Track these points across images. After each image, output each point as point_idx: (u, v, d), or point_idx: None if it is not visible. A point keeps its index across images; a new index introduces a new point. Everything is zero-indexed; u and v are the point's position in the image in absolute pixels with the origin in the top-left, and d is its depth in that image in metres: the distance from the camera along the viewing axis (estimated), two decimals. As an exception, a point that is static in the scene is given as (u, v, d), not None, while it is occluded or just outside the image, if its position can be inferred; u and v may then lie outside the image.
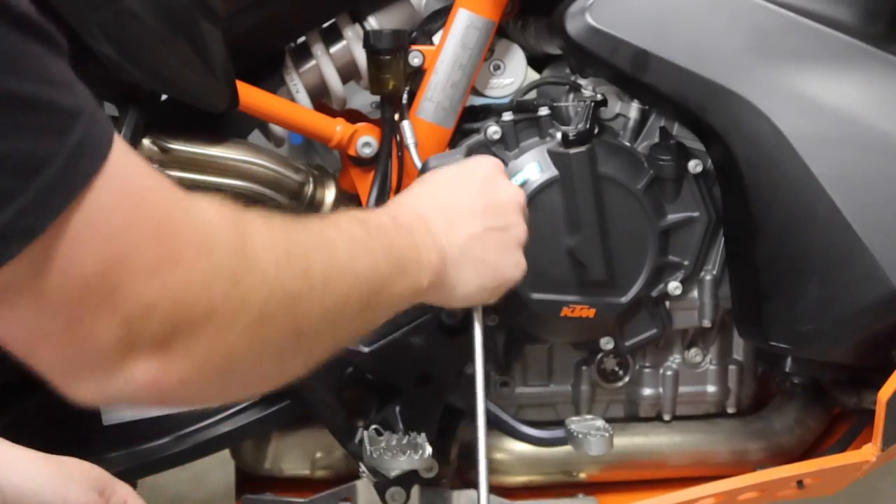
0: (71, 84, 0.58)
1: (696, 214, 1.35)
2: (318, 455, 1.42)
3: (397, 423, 1.31)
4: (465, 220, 0.93)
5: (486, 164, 1.03)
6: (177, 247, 0.61)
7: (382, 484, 1.29)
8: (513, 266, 0.99)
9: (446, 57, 1.33)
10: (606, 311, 1.34)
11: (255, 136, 1.48)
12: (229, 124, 1.39)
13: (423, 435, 1.25)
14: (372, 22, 1.37)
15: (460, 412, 1.32)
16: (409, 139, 1.31)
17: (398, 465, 1.24)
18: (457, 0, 1.33)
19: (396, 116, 1.33)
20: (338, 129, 1.35)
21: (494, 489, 1.40)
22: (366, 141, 1.34)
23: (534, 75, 1.42)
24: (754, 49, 1.22)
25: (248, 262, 0.65)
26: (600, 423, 1.30)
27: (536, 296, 1.31)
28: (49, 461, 0.91)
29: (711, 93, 1.22)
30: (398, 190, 1.33)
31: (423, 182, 0.99)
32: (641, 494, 1.38)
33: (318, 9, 1.37)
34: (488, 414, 1.11)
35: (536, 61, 1.43)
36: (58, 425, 1.30)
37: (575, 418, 1.24)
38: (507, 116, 1.34)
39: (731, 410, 1.46)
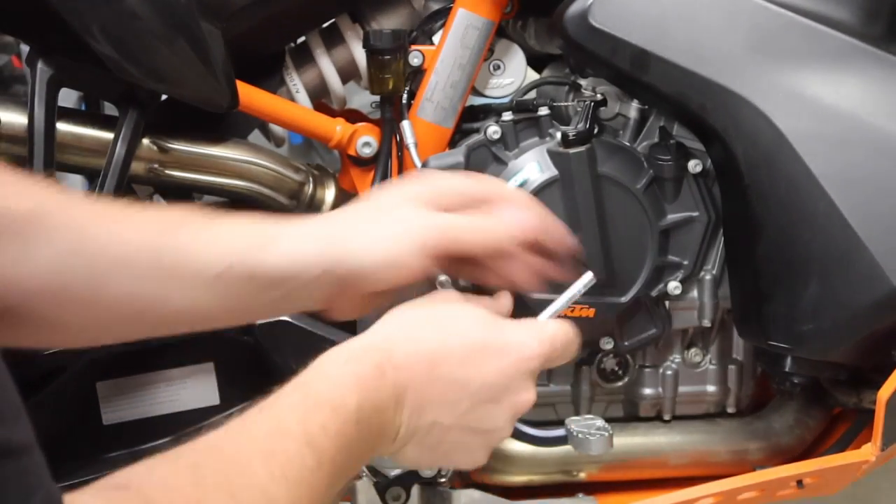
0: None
1: (695, 214, 1.35)
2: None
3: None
4: (440, 409, 0.79)
5: (526, 349, 0.83)
6: None
7: (382, 484, 1.29)
8: (466, 462, 0.86)
9: (446, 57, 1.33)
10: (606, 311, 1.34)
11: (255, 136, 1.48)
12: (229, 124, 1.39)
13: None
14: (372, 22, 1.37)
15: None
16: (409, 139, 1.31)
17: (398, 464, 1.24)
18: (457, 0, 1.33)
19: (396, 116, 1.33)
20: (338, 129, 1.35)
21: (494, 489, 1.40)
22: (366, 141, 1.34)
23: (534, 75, 1.42)
24: (754, 49, 1.22)
25: None
26: (600, 423, 1.29)
27: (536, 296, 1.31)
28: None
29: (711, 93, 1.22)
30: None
31: (443, 330, 0.81)
32: (641, 494, 1.38)
33: (318, 9, 1.37)
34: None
35: (536, 61, 1.43)
36: (58, 425, 1.30)
37: (575, 418, 1.24)
38: (507, 116, 1.34)
39: (730, 410, 1.46)
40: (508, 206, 0.87)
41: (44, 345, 0.84)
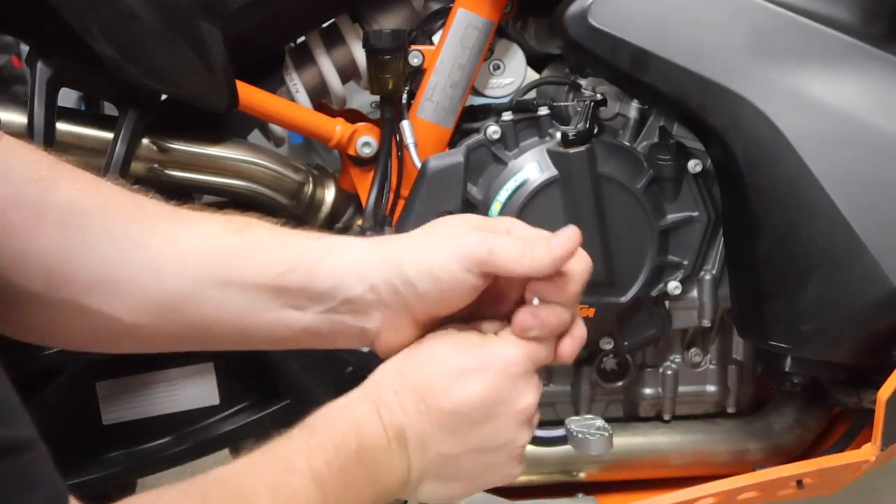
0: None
1: (695, 214, 1.35)
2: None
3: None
4: (441, 441, 0.79)
5: (505, 357, 0.81)
6: None
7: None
8: (497, 480, 0.85)
9: (446, 57, 1.33)
10: (606, 310, 1.34)
11: (255, 136, 1.48)
12: (229, 124, 1.39)
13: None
14: (372, 22, 1.37)
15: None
16: (409, 139, 1.31)
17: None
18: (456, 0, 1.33)
19: (396, 116, 1.33)
20: (337, 128, 1.35)
21: (494, 489, 1.40)
22: (365, 141, 1.34)
23: (533, 75, 1.42)
24: (754, 49, 1.22)
25: None
26: (600, 423, 1.29)
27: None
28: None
29: (711, 93, 1.22)
30: (398, 190, 1.33)
31: (424, 364, 0.81)
32: (641, 494, 1.38)
33: (318, 9, 1.37)
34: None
35: (536, 61, 1.43)
36: (58, 425, 1.30)
37: (575, 418, 1.24)
38: (507, 116, 1.34)
39: (730, 410, 1.46)
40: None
41: (89, 347, 0.84)
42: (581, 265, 0.81)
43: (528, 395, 0.82)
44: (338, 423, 0.76)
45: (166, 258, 0.80)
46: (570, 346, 0.83)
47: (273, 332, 0.82)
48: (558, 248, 0.78)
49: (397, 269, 0.80)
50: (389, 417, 0.78)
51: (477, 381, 0.79)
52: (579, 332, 0.84)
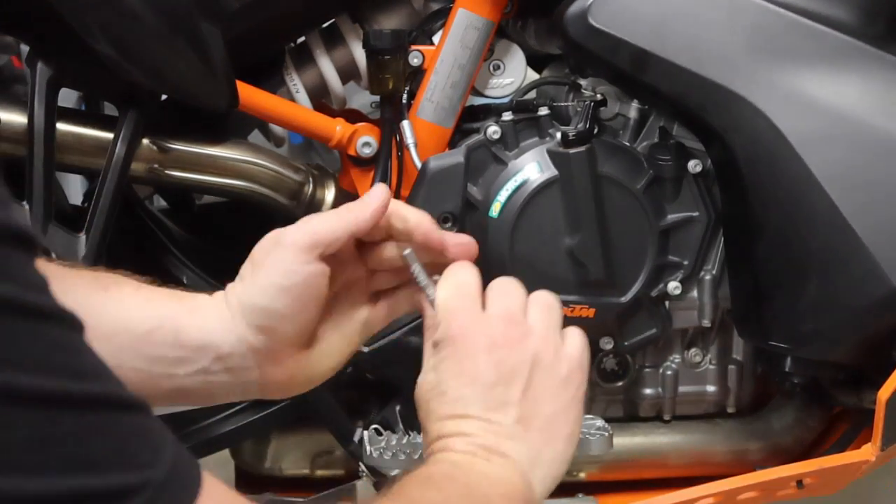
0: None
1: (695, 214, 1.35)
2: (318, 455, 1.42)
3: (397, 423, 1.31)
4: (517, 413, 0.77)
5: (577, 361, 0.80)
6: None
7: (382, 484, 1.29)
8: (579, 416, 0.82)
9: (446, 57, 1.33)
10: (606, 310, 1.34)
11: (255, 136, 1.48)
12: (229, 124, 1.39)
13: (422, 435, 1.25)
14: (372, 22, 1.37)
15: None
16: (409, 139, 1.31)
17: (398, 465, 1.24)
18: (457, 0, 1.33)
19: (396, 116, 1.33)
20: (338, 129, 1.35)
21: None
22: (365, 141, 1.34)
23: (534, 75, 1.42)
24: (754, 49, 1.22)
25: None
26: (600, 423, 1.30)
27: (536, 296, 1.31)
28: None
29: (711, 93, 1.22)
30: (398, 190, 1.33)
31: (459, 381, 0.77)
32: (641, 494, 1.38)
33: (318, 9, 1.37)
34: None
35: (536, 61, 1.43)
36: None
37: (575, 418, 1.24)
38: (507, 116, 1.34)
39: (730, 410, 1.46)
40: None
41: None
42: (403, 208, 0.82)
43: (553, 331, 0.81)
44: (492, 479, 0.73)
45: None
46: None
47: (141, 388, 0.78)
48: (370, 198, 0.79)
49: (251, 306, 0.79)
50: (465, 444, 0.74)
51: (496, 356, 0.77)
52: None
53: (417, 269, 0.81)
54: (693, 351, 1.43)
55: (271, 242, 0.79)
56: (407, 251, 0.81)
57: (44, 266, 0.76)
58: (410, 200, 1.30)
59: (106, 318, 0.77)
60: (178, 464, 0.51)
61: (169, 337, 0.78)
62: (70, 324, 0.51)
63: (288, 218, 1.37)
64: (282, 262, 0.77)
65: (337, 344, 0.83)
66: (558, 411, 0.78)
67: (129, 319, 0.78)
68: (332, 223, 0.78)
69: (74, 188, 1.61)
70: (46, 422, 0.46)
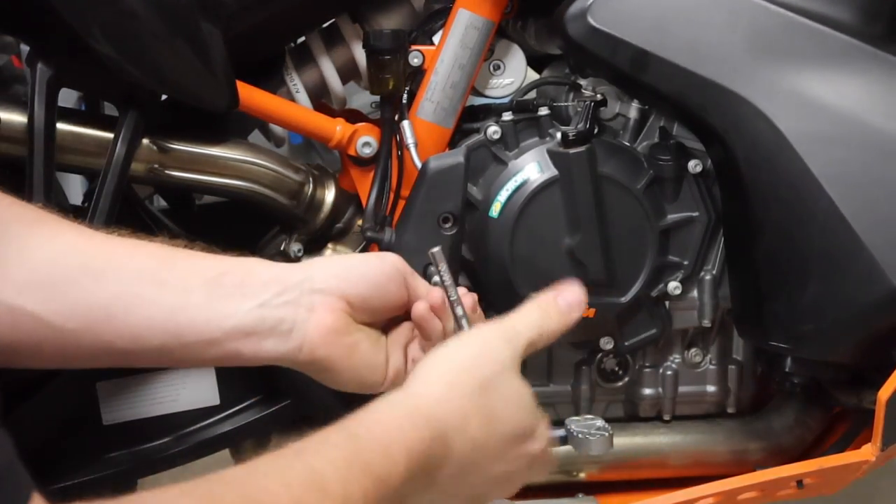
0: None
1: (695, 214, 1.35)
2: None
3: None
4: (475, 470, 0.78)
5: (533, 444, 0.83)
6: None
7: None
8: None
9: (446, 57, 1.33)
10: (606, 310, 1.34)
11: (255, 136, 1.48)
12: (229, 124, 1.39)
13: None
14: (372, 22, 1.37)
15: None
16: (409, 139, 1.31)
17: None
18: (457, 0, 1.33)
19: (396, 116, 1.33)
20: (338, 129, 1.35)
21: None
22: (366, 141, 1.34)
23: (534, 75, 1.42)
24: (754, 49, 1.22)
25: None
26: (600, 423, 1.29)
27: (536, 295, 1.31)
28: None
29: (711, 93, 1.22)
30: (398, 190, 1.33)
31: (482, 433, 0.78)
32: (641, 494, 1.38)
33: (319, 9, 1.37)
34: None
35: (536, 61, 1.43)
36: (58, 426, 1.30)
37: (575, 418, 1.24)
38: (507, 116, 1.34)
39: (730, 410, 1.46)
40: None
41: (6, 359, 0.81)
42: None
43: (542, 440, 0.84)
44: (388, 449, 0.69)
45: (102, 261, 0.80)
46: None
47: (202, 332, 0.81)
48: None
49: (334, 262, 0.86)
50: (442, 468, 0.73)
51: (517, 454, 0.80)
52: None
53: (444, 269, 0.84)
54: (693, 351, 1.43)
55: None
56: (435, 249, 0.84)
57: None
58: (410, 200, 1.30)
59: (178, 265, 0.82)
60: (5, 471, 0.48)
61: (238, 277, 0.82)
62: None
63: (287, 218, 1.38)
64: (380, 256, 0.88)
65: (366, 367, 0.87)
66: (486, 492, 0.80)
67: (202, 266, 0.83)
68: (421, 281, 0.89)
69: (74, 188, 1.61)
70: None
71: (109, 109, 1.35)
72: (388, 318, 0.90)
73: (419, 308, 0.87)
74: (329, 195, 1.38)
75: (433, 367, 0.78)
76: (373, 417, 0.72)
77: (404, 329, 0.90)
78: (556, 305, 0.87)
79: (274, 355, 0.84)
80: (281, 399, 1.37)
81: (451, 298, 0.83)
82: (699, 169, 1.34)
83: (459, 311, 0.87)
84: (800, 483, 1.31)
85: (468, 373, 0.78)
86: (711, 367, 1.44)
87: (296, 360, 0.84)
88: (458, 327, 0.87)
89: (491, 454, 0.77)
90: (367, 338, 0.87)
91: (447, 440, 0.73)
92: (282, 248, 1.38)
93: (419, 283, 0.89)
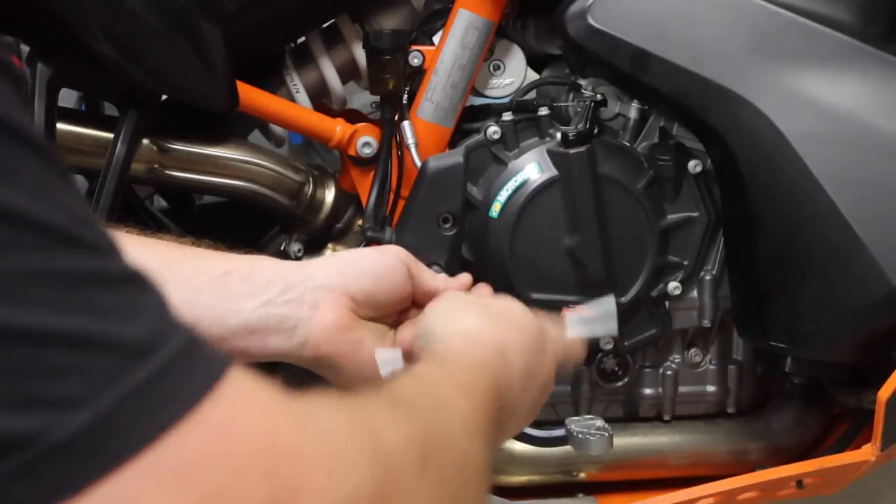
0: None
1: (695, 214, 1.35)
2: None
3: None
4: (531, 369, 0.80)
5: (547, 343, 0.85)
6: (299, 474, 0.45)
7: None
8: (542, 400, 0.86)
9: (446, 57, 1.33)
10: (606, 310, 1.34)
11: (255, 136, 1.48)
12: (229, 124, 1.39)
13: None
14: (372, 22, 1.37)
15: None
16: (409, 139, 1.31)
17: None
18: (457, 0, 1.33)
19: (396, 116, 1.33)
20: (338, 129, 1.35)
21: (494, 489, 1.40)
22: (366, 141, 1.34)
23: (534, 75, 1.42)
24: (754, 49, 1.22)
25: (388, 476, 0.49)
26: (600, 423, 1.29)
27: (536, 295, 1.31)
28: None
29: (711, 93, 1.22)
30: (398, 190, 1.33)
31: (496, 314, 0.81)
32: (641, 494, 1.38)
33: (319, 9, 1.37)
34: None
35: (536, 61, 1.43)
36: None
37: (575, 418, 1.24)
38: (507, 116, 1.34)
39: (730, 410, 1.46)
40: None
41: None
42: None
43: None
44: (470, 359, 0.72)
45: None
46: None
47: (209, 330, 0.81)
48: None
49: (336, 259, 0.88)
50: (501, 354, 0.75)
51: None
52: None
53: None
54: (693, 351, 1.43)
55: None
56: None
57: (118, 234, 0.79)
58: (410, 200, 1.30)
59: (186, 263, 0.83)
60: (199, 341, 0.45)
61: (244, 276, 0.83)
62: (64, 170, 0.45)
63: (287, 218, 1.38)
64: (382, 250, 0.89)
65: (371, 363, 0.86)
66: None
67: (209, 265, 0.84)
68: (427, 271, 0.90)
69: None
70: (41, 255, 0.41)
71: (109, 109, 1.35)
72: (396, 311, 0.90)
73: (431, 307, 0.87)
74: (329, 195, 1.38)
75: (445, 319, 0.81)
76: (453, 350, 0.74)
77: (415, 324, 0.90)
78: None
79: (279, 352, 0.85)
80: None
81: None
82: (699, 169, 1.34)
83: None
84: (800, 483, 1.31)
85: (473, 308, 0.81)
86: (711, 367, 1.44)
87: (301, 357, 0.85)
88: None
89: (534, 356, 0.79)
90: (373, 333, 0.87)
91: (506, 355, 0.75)
92: (282, 248, 1.38)
93: (424, 273, 0.89)
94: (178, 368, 0.42)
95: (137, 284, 0.45)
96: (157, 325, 0.43)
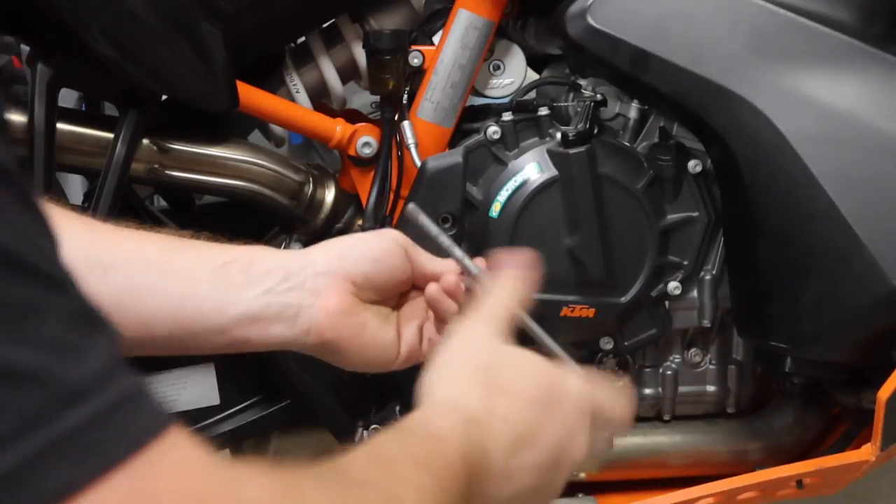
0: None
1: (695, 214, 1.35)
2: (319, 455, 1.42)
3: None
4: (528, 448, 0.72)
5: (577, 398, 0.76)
6: None
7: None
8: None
9: (446, 57, 1.33)
10: (606, 311, 1.34)
11: (255, 136, 1.48)
12: (229, 124, 1.39)
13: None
14: (372, 22, 1.37)
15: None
16: (409, 139, 1.31)
17: None
18: (457, 0, 1.33)
19: (396, 116, 1.33)
20: (338, 129, 1.35)
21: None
22: (366, 141, 1.34)
23: (534, 75, 1.42)
24: (754, 49, 1.22)
25: None
26: (600, 422, 1.29)
27: (536, 296, 1.30)
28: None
29: (711, 93, 1.22)
30: (398, 190, 1.33)
31: (502, 394, 0.73)
32: (641, 494, 1.38)
33: (319, 9, 1.37)
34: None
35: (536, 61, 1.43)
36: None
37: (575, 418, 1.24)
38: (507, 116, 1.34)
39: (730, 410, 1.46)
40: None
41: None
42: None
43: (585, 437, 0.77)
44: (420, 441, 0.65)
45: (110, 254, 0.81)
46: None
47: (210, 320, 0.82)
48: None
49: (334, 244, 0.87)
50: (481, 435, 0.69)
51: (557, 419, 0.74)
52: None
53: (426, 221, 0.88)
54: (693, 351, 1.43)
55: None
56: (410, 206, 0.86)
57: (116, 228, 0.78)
58: (410, 200, 1.30)
59: (185, 255, 0.83)
60: (143, 394, 0.43)
61: (244, 265, 0.83)
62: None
63: (287, 218, 1.38)
64: (380, 234, 0.89)
65: (375, 346, 0.87)
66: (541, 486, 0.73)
67: (209, 255, 0.84)
68: (426, 254, 0.89)
69: (74, 188, 1.61)
70: None
71: (109, 109, 1.35)
72: (397, 293, 0.90)
73: (431, 290, 0.87)
74: (329, 195, 1.38)
75: (432, 386, 0.73)
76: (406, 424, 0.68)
77: (418, 307, 0.90)
78: (508, 276, 0.84)
79: (282, 340, 0.85)
80: (281, 399, 1.37)
81: (444, 244, 0.86)
82: (699, 169, 1.34)
83: (458, 253, 0.86)
84: (799, 483, 1.31)
85: (467, 369, 0.75)
86: (711, 367, 1.44)
87: (304, 344, 0.85)
88: (463, 270, 0.87)
89: (532, 421, 0.72)
90: (376, 316, 0.87)
91: (481, 425, 0.69)
92: (282, 248, 1.38)
93: (422, 255, 0.89)
94: (115, 418, 0.40)
95: (90, 324, 0.43)
96: (102, 370, 0.41)
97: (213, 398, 1.36)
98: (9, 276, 0.39)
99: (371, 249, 0.87)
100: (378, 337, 0.87)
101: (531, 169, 1.31)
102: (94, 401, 0.40)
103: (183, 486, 0.43)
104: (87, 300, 0.43)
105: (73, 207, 0.86)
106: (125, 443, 0.40)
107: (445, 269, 0.89)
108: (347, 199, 1.40)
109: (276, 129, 1.42)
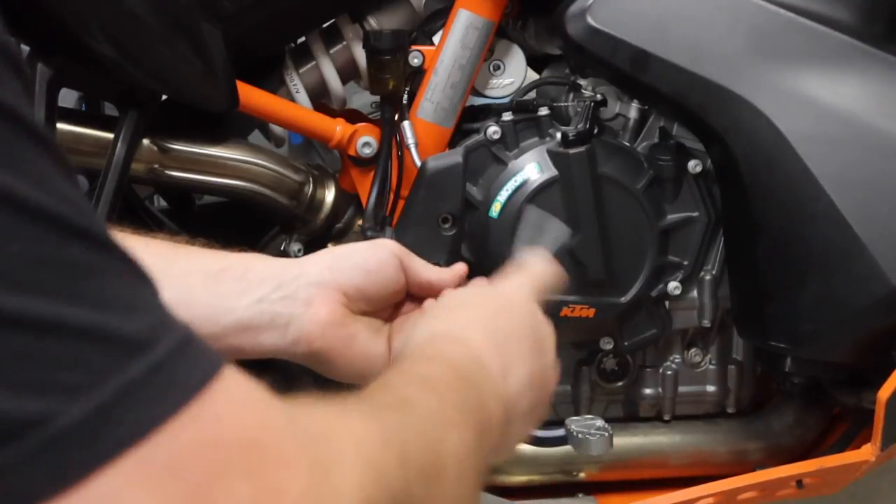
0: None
1: (695, 214, 1.35)
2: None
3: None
4: (516, 364, 0.78)
5: (517, 293, 0.86)
6: (283, 475, 0.45)
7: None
8: (544, 408, 0.85)
9: (446, 57, 1.33)
10: (606, 311, 1.34)
11: (255, 136, 1.48)
12: (229, 124, 1.39)
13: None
14: (372, 22, 1.37)
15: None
16: (409, 139, 1.31)
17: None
18: (457, 0, 1.33)
19: (396, 116, 1.33)
20: (338, 129, 1.35)
21: (494, 489, 1.40)
22: (366, 141, 1.34)
23: (534, 75, 1.42)
24: (754, 49, 1.22)
25: (370, 472, 0.51)
26: (600, 423, 1.29)
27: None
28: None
29: (711, 93, 1.22)
30: (398, 190, 1.33)
31: (466, 306, 0.82)
32: (641, 494, 1.38)
33: (319, 9, 1.37)
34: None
35: (536, 61, 1.43)
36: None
37: (575, 418, 1.24)
38: (507, 116, 1.34)
39: (730, 410, 1.46)
40: None
41: None
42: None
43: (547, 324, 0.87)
44: (419, 363, 0.70)
45: None
46: None
47: (203, 328, 0.81)
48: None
49: (327, 254, 0.88)
50: (470, 345, 0.74)
51: (513, 313, 0.83)
52: None
53: None
54: (693, 351, 1.43)
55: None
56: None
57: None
58: (409, 201, 1.30)
59: (179, 261, 0.83)
60: (194, 338, 0.45)
61: (238, 273, 0.84)
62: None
63: (287, 218, 1.38)
64: (375, 245, 0.89)
65: (365, 357, 0.86)
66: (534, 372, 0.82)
67: (203, 263, 0.84)
68: (421, 264, 0.89)
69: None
70: (47, 244, 0.41)
71: (109, 109, 1.35)
72: (390, 304, 0.90)
73: (429, 305, 0.87)
74: (329, 195, 1.38)
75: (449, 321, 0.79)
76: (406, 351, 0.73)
77: (411, 320, 0.91)
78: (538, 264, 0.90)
79: (273, 349, 0.85)
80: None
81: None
82: (699, 169, 1.34)
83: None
84: (799, 483, 1.31)
85: (486, 313, 0.80)
86: (711, 367, 1.44)
87: (295, 353, 0.86)
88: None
89: (514, 352, 0.78)
90: (367, 328, 0.87)
91: (461, 336, 0.75)
92: (282, 249, 1.38)
93: (417, 266, 0.89)
94: (174, 365, 0.43)
95: (137, 278, 0.45)
96: (156, 321, 0.44)
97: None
98: (63, 240, 0.41)
99: (365, 261, 0.87)
100: (368, 349, 0.87)
101: (531, 169, 1.31)
102: (152, 352, 0.42)
103: (243, 422, 0.45)
104: (132, 255, 0.45)
105: None
106: (185, 387, 0.43)
107: (442, 278, 0.89)
108: (347, 199, 1.40)
109: (276, 129, 1.42)
